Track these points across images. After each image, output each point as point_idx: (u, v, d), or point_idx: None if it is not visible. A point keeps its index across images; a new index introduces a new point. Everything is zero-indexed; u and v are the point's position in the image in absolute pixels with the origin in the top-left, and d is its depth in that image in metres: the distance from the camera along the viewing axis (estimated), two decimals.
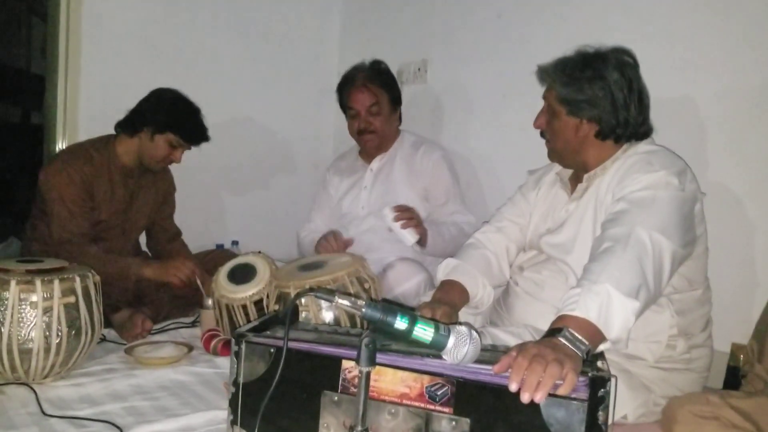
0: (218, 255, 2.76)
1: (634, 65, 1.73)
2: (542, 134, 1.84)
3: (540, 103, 1.82)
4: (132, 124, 2.44)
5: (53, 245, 2.33)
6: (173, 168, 2.73)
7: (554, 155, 1.84)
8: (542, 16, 2.65)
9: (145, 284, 2.45)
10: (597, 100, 1.68)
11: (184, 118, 2.44)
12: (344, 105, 2.71)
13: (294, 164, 3.69)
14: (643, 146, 1.71)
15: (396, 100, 2.72)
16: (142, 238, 2.77)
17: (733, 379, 1.89)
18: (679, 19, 2.18)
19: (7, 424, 1.55)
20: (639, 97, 1.71)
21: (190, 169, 3.18)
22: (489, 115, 2.90)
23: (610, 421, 1.06)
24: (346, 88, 2.68)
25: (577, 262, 1.58)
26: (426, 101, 2.81)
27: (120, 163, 2.47)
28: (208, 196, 3.42)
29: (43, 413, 1.62)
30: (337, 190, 2.84)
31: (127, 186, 2.52)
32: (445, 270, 1.85)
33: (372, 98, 2.63)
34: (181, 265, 2.37)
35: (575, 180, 1.82)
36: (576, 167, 1.82)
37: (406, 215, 2.34)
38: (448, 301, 1.69)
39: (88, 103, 3.00)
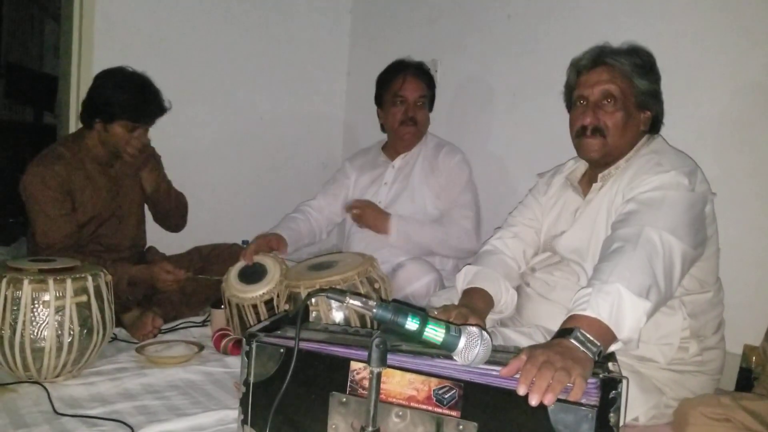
0: (225, 249, 2.73)
1: None
2: (596, 130, 1.68)
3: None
4: (85, 118, 2.37)
5: (39, 251, 2.28)
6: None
7: (601, 151, 1.69)
8: (552, 16, 2.64)
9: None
10: (660, 93, 1.70)
11: (125, 100, 2.29)
12: (391, 93, 2.61)
13: (303, 164, 3.69)
14: (653, 145, 1.71)
15: (433, 101, 2.72)
16: (148, 232, 2.72)
17: (746, 380, 1.88)
18: (689, 18, 2.17)
19: (19, 423, 1.56)
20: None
21: (200, 168, 3.20)
22: (499, 114, 2.89)
23: (621, 423, 1.05)
24: (395, 76, 2.61)
25: (591, 263, 1.57)
26: (436, 101, 2.81)
27: (93, 155, 2.40)
28: (217, 195, 3.42)
29: (55, 412, 1.63)
30: (355, 185, 2.81)
31: (107, 174, 2.45)
32: (465, 278, 1.80)
33: (423, 89, 2.61)
34: (165, 277, 2.34)
35: (587, 181, 1.81)
36: (605, 166, 1.74)
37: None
38: (468, 304, 1.64)
39: None
